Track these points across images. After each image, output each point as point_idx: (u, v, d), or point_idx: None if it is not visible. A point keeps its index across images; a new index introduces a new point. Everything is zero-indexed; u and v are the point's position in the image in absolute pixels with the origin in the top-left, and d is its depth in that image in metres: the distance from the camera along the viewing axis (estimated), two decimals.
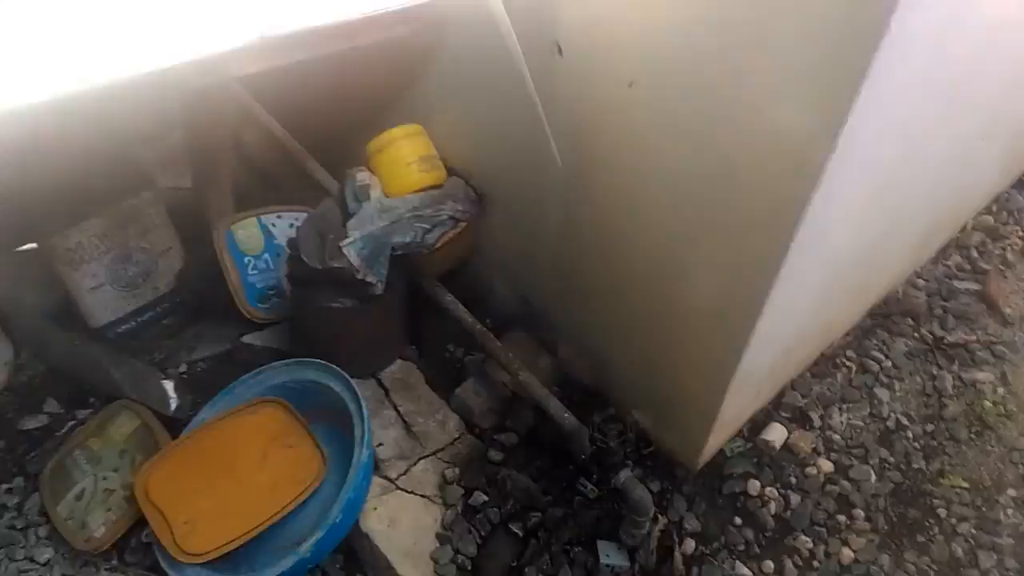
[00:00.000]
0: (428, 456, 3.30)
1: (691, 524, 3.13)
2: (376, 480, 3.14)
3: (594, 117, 2.72)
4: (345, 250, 3.26)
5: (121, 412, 3.29)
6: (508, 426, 3.45)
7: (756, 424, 3.36)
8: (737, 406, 3.15)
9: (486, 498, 3.17)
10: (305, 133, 4.07)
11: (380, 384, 3.53)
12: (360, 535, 3.00)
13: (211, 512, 2.91)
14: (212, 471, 3.02)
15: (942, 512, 3.10)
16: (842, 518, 3.12)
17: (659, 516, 3.07)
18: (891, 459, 3.27)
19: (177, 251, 3.79)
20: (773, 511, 3.14)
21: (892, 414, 3.38)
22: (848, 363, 3.55)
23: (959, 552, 3.00)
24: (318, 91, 3.76)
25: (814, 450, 3.29)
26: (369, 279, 3.26)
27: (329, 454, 3.03)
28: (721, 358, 2.82)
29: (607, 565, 3.01)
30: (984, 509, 3.11)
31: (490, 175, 3.46)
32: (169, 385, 3.44)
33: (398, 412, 3.43)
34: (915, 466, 3.25)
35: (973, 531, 3.04)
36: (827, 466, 3.25)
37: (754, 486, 3.20)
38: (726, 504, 3.19)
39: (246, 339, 3.67)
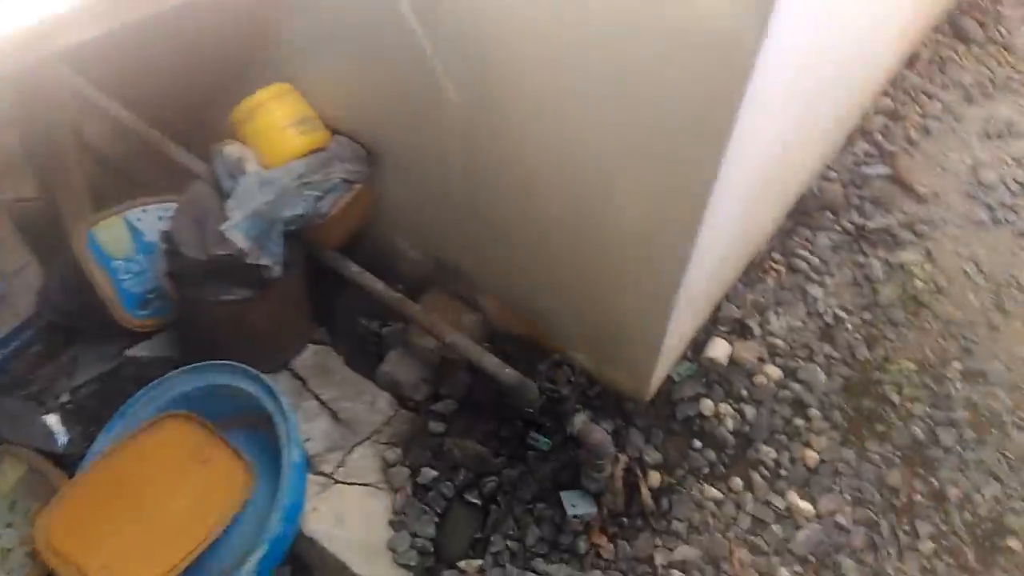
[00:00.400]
0: (363, 442, 3.10)
1: (651, 456, 3.06)
2: (311, 479, 2.92)
3: (488, 36, 2.53)
4: (229, 234, 2.98)
5: (2, 459, 2.94)
6: (443, 394, 3.28)
7: (698, 344, 3.31)
8: (680, 329, 3.09)
9: (435, 473, 3.00)
10: (156, 114, 3.71)
11: (295, 375, 3.28)
12: (305, 541, 2.79)
13: (130, 551, 2.63)
14: (122, 506, 2.73)
15: (895, 398, 3.16)
16: (800, 421, 3.13)
17: (619, 456, 2.99)
18: (836, 354, 3.29)
19: (34, 268, 3.40)
20: (731, 427, 3.11)
21: (828, 309, 3.41)
22: (776, 266, 3.55)
23: (919, 434, 3.07)
24: (161, 61, 3.41)
25: (759, 359, 3.28)
26: (263, 262, 3.00)
27: (253, 462, 2.79)
28: (661, 281, 2.73)
29: (575, 516, 2.92)
30: (934, 387, 3.18)
31: (378, 127, 3.22)
32: (52, 419, 3.10)
33: (321, 401, 3.20)
34: (860, 357, 3.29)
35: (928, 410, 3.11)
36: (775, 372, 3.25)
37: (707, 406, 3.16)
38: (682, 429, 3.14)
39: (131, 353, 3.32)
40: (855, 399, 3.18)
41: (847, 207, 3.70)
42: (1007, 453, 3.00)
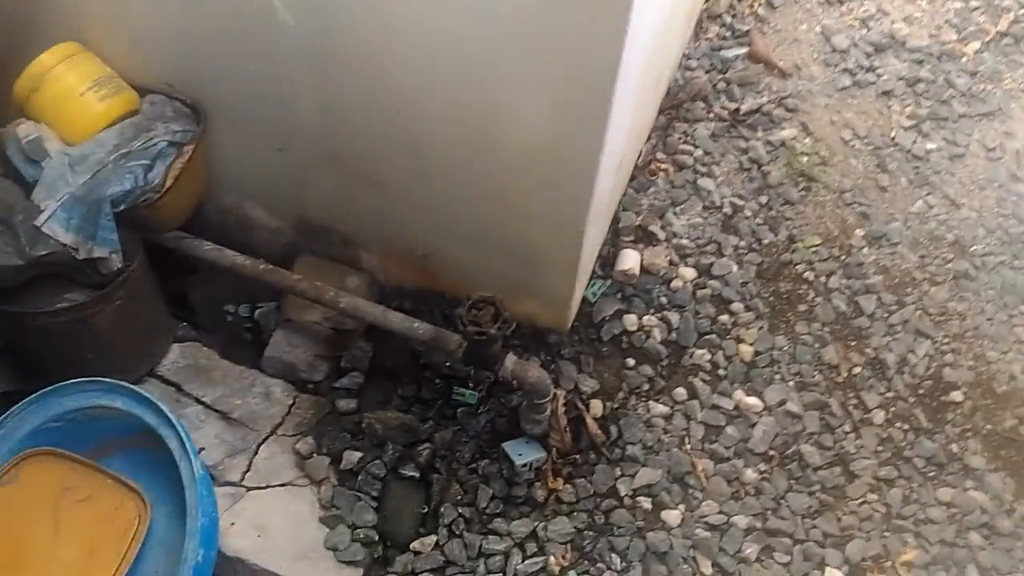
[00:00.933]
0: (267, 439, 2.75)
1: (588, 385, 2.94)
2: (219, 491, 2.56)
3: None
4: (46, 228, 2.51)
5: None
6: (345, 367, 2.99)
7: (606, 259, 3.21)
8: (591, 246, 2.96)
9: (359, 455, 2.73)
10: None
11: (166, 381, 2.87)
12: (230, 562, 2.45)
13: None
14: None
15: (809, 276, 3.19)
16: (725, 318, 3.10)
17: (555, 392, 2.85)
18: (742, 243, 3.29)
19: None
20: (659, 338, 3.04)
21: (724, 200, 3.40)
22: (663, 166, 3.50)
23: (841, 306, 3.13)
24: None
25: (671, 262, 3.22)
26: (98, 254, 2.55)
27: (145, 487, 2.40)
28: (571, 197, 2.56)
29: (523, 464, 2.75)
30: (843, 257, 3.24)
31: (201, 76, 2.80)
32: None
33: (204, 404, 2.81)
34: (766, 241, 3.31)
35: (844, 281, 3.17)
36: (689, 273, 3.20)
37: (631, 321, 3.07)
38: (612, 351, 3.04)
39: None
40: (772, 284, 3.20)
41: (715, 94, 3.68)
42: (928, 309, 3.12)
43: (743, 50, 3.83)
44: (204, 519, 2.30)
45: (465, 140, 2.57)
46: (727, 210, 3.36)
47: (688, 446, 2.85)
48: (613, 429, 2.87)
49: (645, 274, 3.18)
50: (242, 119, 2.89)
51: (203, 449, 2.69)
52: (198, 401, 2.83)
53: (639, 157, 3.47)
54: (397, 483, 2.72)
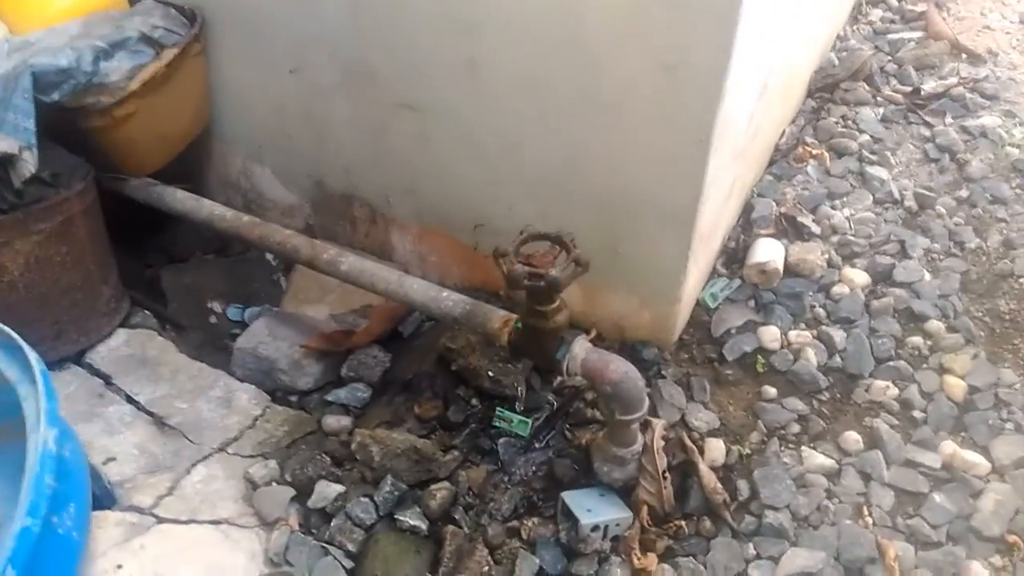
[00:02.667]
0: (210, 456, 1.82)
1: (702, 419, 1.91)
2: (113, 517, 1.65)
3: None
4: None
5: None
6: (348, 376, 2.10)
7: (732, 255, 2.26)
8: (711, 220, 2.02)
9: (339, 489, 1.77)
10: None
11: (93, 371, 2.04)
12: None
13: None
14: None
15: None
16: (917, 339, 2.02)
17: (650, 419, 1.85)
18: (935, 246, 2.27)
19: None
20: (815, 362, 1.99)
21: (904, 192, 2.42)
22: (814, 151, 2.58)
23: None
24: None
25: (829, 263, 2.24)
26: (1, 146, 1.81)
27: None
28: (688, 128, 1.71)
29: (594, 528, 1.72)
30: None
31: None
32: None
33: (135, 404, 1.95)
34: (970, 245, 2.27)
35: None
36: (859, 277, 2.18)
37: (769, 335, 2.05)
38: (740, 375, 2.01)
39: None
40: (986, 301, 2.14)
41: (883, 76, 2.80)
42: None
43: (917, 33, 2.95)
44: (25, 541, 1.40)
45: (544, 52, 1.78)
46: (910, 204, 2.37)
47: (869, 519, 1.75)
48: (742, 485, 1.80)
49: (791, 275, 2.19)
50: (249, 28, 2.17)
51: (112, 459, 1.81)
52: (129, 399, 1.95)
53: (781, 138, 2.57)
54: (390, 536, 1.69)
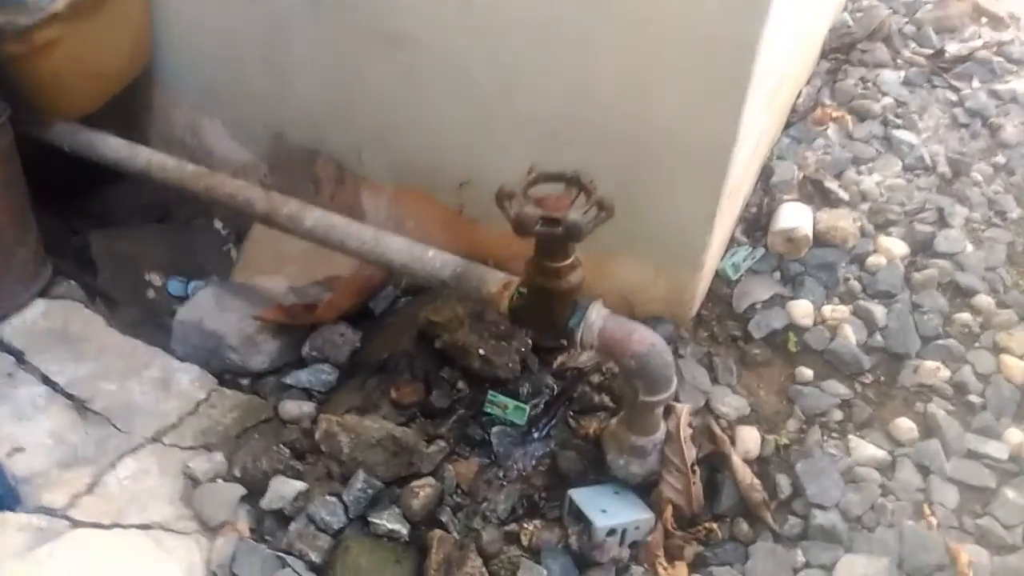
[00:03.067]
0: (141, 447, 1.51)
1: (730, 404, 1.64)
2: (16, 520, 1.33)
3: None
4: None
5: None
6: (310, 356, 1.79)
7: (752, 222, 2.01)
8: (736, 179, 1.77)
9: (301, 487, 1.47)
10: None
11: (2, 345, 1.72)
12: None
13: None
14: None
15: None
16: (965, 316, 1.74)
17: (673, 405, 1.59)
18: (975, 215, 2.04)
19: None
20: (855, 340, 1.76)
21: (936, 158, 2.20)
22: (835, 114, 2.36)
23: None
24: None
25: (862, 231, 2.01)
26: None
27: None
28: (723, 65, 1.44)
29: (610, 532, 1.45)
30: None
31: None
32: None
33: (52, 385, 1.62)
34: (1013, 215, 2.04)
35: None
36: (897, 247, 1.92)
37: (801, 310, 1.78)
38: (769, 354, 1.73)
39: None
40: None
41: (902, 37, 2.59)
42: None
43: None
44: None
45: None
46: (943, 170, 2.14)
47: (933, 519, 1.50)
48: (782, 481, 1.52)
49: (820, 245, 1.95)
50: None
51: (19, 450, 1.49)
52: (45, 379, 1.63)
53: (798, 98, 2.34)
54: (363, 543, 1.38)
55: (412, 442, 1.52)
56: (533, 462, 1.58)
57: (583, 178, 1.28)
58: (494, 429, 1.61)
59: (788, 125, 2.30)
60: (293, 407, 1.65)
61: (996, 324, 1.81)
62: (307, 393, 1.72)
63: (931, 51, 2.55)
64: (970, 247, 1.99)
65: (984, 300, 1.86)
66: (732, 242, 1.97)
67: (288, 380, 1.73)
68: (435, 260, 1.49)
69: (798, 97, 2.37)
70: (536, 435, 1.63)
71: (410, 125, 1.83)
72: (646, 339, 1.36)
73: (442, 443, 1.55)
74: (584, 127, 1.61)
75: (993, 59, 2.51)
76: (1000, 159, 2.21)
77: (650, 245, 1.71)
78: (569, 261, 1.32)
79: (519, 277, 1.47)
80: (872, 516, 1.48)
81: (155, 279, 2.09)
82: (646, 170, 1.62)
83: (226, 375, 1.76)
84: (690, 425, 1.53)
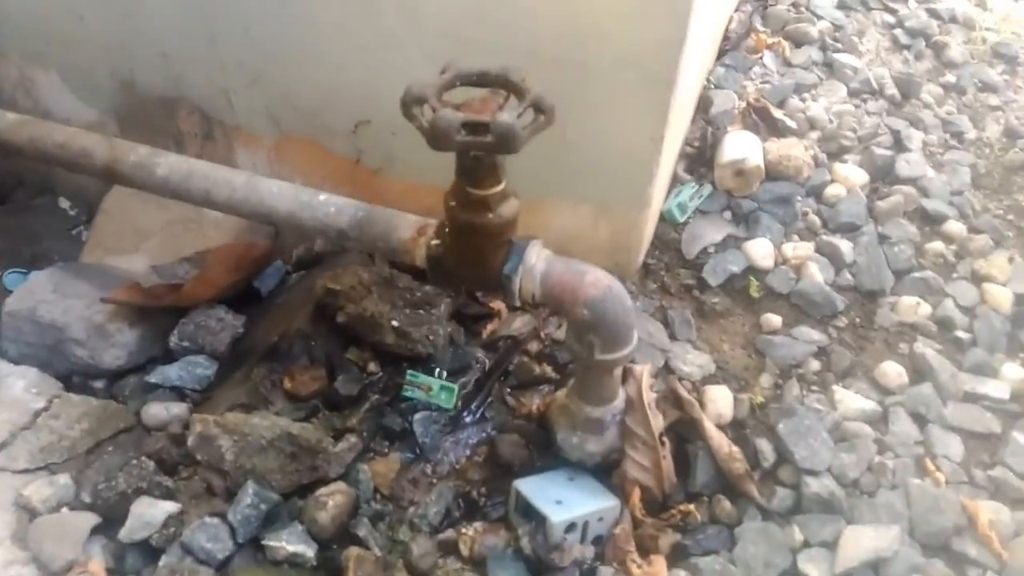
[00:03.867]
0: None
1: (693, 362, 1.40)
2: None
3: None
4: None
5: None
6: (179, 346, 1.46)
7: (692, 156, 1.79)
8: (684, 95, 1.54)
9: (173, 508, 1.14)
10: None
11: None
12: None
13: None
14: None
15: None
16: (937, 245, 1.57)
17: (630, 368, 1.35)
18: (931, 138, 1.84)
19: None
20: (822, 279, 1.57)
21: (882, 82, 2.02)
22: (769, 40, 2.17)
23: None
24: None
25: (815, 160, 1.82)
26: None
27: None
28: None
29: (568, 526, 1.18)
30: None
31: None
32: None
33: None
34: (969, 136, 1.86)
35: None
36: (856, 175, 1.73)
37: (760, 251, 1.56)
38: (729, 303, 1.51)
39: None
40: (1004, 197, 1.74)
41: None
42: None
43: None
44: None
45: None
46: (892, 93, 1.97)
47: (940, 475, 1.31)
48: (764, 446, 1.29)
49: (772, 178, 1.74)
50: None
51: None
52: None
53: (729, 24, 2.14)
54: (256, 573, 1.16)
55: (314, 440, 1.23)
56: (467, 452, 1.31)
57: (512, 75, 1.01)
58: (416, 416, 1.33)
59: (721, 53, 2.11)
60: (159, 410, 1.32)
61: (972, 251, 1.63)
62: (178, 392, 1.39)
63: None
64: (931, 171, 1.82)
65: (955, 226, 1.68)
66: (674, 180, 1.76)
67: (153, 378, 1.40)
68: (328, 205, 1.20)
69: (729, 23, 2.18)
70: (468, 419, 1.35)
71: (290, 56, 1.51)
72: (600, 281, 1.10)
73: (353, 438, 1.26)
74: (501, 37, 1.33)
75: None
76: (950, 78, 2.07)
77: (586, 182, 1.45)
78: (500, 187, 1.06)
79: (437, 220, 1.21)
80: (871, 478, 1.28)
81: None
82: (581, 89, 1.36)
83: (74, 377, 1.41)
84: (652, 389, 1.31)
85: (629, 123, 1.37)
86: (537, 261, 1.10)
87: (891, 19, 2.24)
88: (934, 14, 2.23)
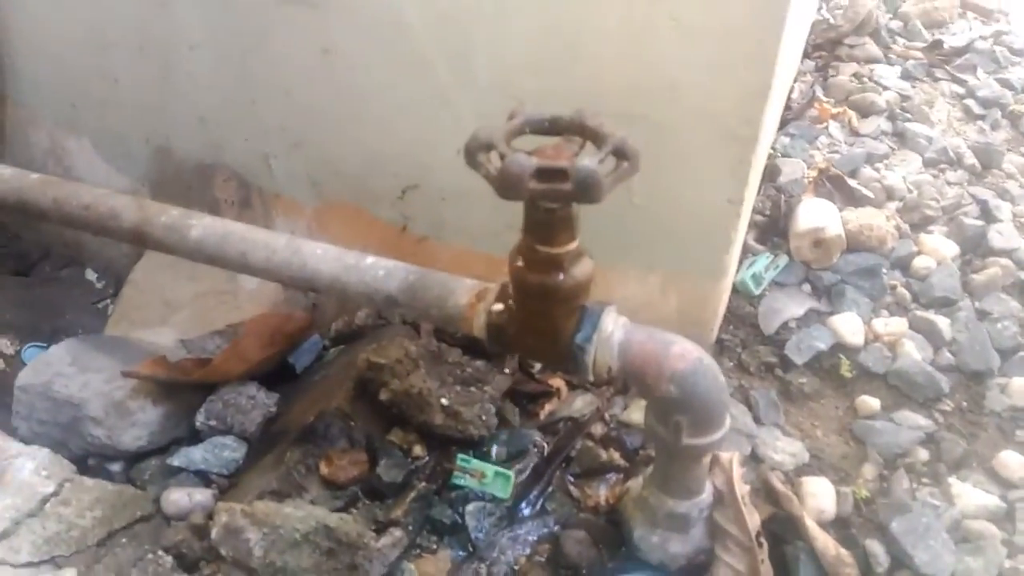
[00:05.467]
0: None
1: (781, 449, 1.24)
2: None
3: None
4: None
5: None
6: (207, 426, 1.32)
7: (762, 226, 1.64)
8: (763, 152, 1.42)
9: None
10: None
11: None
12: None
13: None
14: None
15: None
16: None
17: (717, 456, 1.19)
18: (1018, 208, 1.75)
19: None
20: (918, 357, 1.42)
21: (958, 150, 1.89)
22: (834, 110, 2.03)
23: None
24: None
25: (898, 230, 1.68)
26: None
27: None
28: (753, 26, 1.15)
29: None
30: None
31: None
32: None
33: None
34: None
35: None
36: (946, 247, 1.55)
37: (848, 326, 1.40)
38: (816, 383, 1.34)
39: None
40: None
41: (888, 32, 2.36)
42: None
43: None
44: None
45: None
46: (971, 163, 1.85)
47: None
48: (875, 548, 1.11)
49: (853, 249, 1.62)
50: None
51: None
52: None
53: (790, 94, 2.05)
54: None
55: (354, 534, 1.08)
56: (527, 550, 1.15)
57: (589, 120, 0.91)
58: (469, 507, 1.18)
59: (784, 123, 2.02)
60: (180, 497, 1.18)
61: None
62: (203, 477, 1.26)
63: (923, 44, 2.34)
64: (1023, 244, 1.70)
65: None
66: (745, 251, 1.64)
67: (176, 461, 1.26)
68: (376, 268, 1.09)
69: (790, 92, 2.10)
70: (527, 511, 1.20)
71: (333, 118, 1.43)
72: (689, 353, 0.96)
73: (397, 532, 1.11)
74: (561, 89, 1.24)
75: (995, 48, 2.30)
76: None
77: (655, 249, 1.33)
78: (574, 245, 0.93)
79: (496, 283, 1.09)
80: None
81: (6, 345, 1.63)
82: (646, 144, 1.27)
83: (90, 459, 1.28)
84: (741, 480, 1.15)
85: (705, 184, 1.25)
86: (615, 329, 0.97)
87: (960, 89, 2.16)
88: (1006, 84, 2.14)
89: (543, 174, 0.83)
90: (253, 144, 1.54)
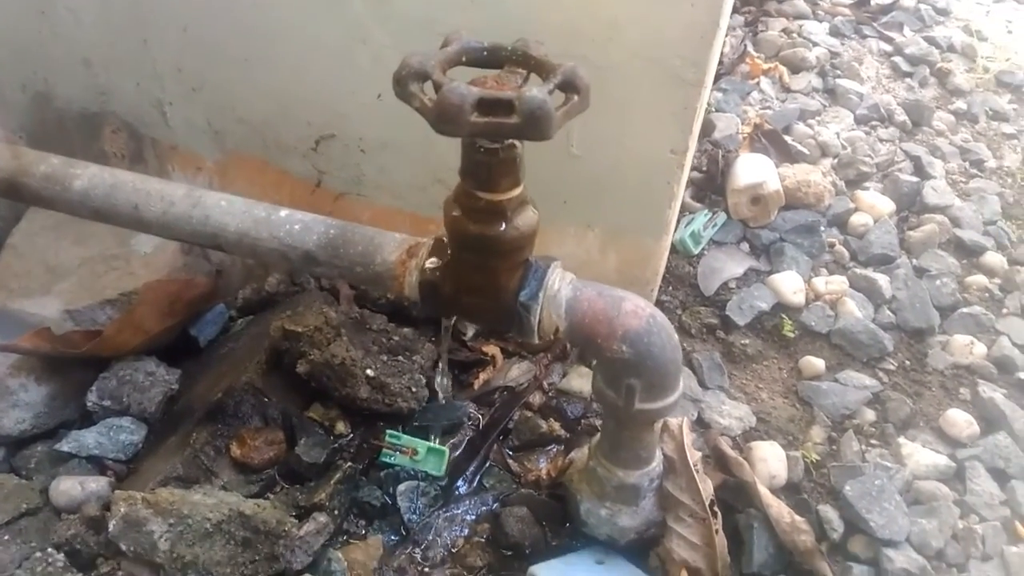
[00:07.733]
0: None
1: (727, 414, 1.21)
2: None
3: None
4: None
5: None
6: (98, 406, 1.19)
7: (698, 182, 1.61)
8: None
9: None
10: None
11: None
12: None
13: None
14: None
15: None
16: (979, 279, 1.41)
17: (666, 422, 1.14)
18: (951, 165, 1.72)
19: None
20: (860, 316, 1.42)
21: (888, 107, 1.92)
22: (766, 65, 2.04)
23: None
24: None
25: (834, 186, 1.67)
26: None
27: None
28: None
29: None
30: None
31: None
32: None
33: None
34: (989, 164, 1.69)
35: None
36: (882, 203, 1.56)
37: (789, 285, 1.38)
38: (759, 344, 1.31)
39: None
40: None
41: None
42: None
43: None
44: None
45: None
46: (902, 119, 1.86)
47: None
48: (828, 513, 1.06)
49: (791, 206, 1.60)
50: None
51: None
52: None
53: (722, 48, 2.02)
54: None
55: (273, 521, 0.99)
56: (466, 531, 1.07)
57: (533, 48, 0.83)
58: (400, 487, 1.10)
59: (716, 78, 1.99)
60: (72, 486, 1.06)
61: (1019, 285, 1.51)
62: (98, 464, 1.14)
63: (850, 1, 2.33)
64: (958, 200, 1.70)
65: (995, 258, 1.54)
66: (682, 209, 1.59)
67: (66, 447, 1.13)
68: (291, 221, 0.97)
69: (723, 47, 2.06)
70: (463, 488, 1.13)
71: (237, 58, 1.31)
72: (642, 310, 0.90)
73: (321, 518, 1.02)
74: (491, 28, 1.13)
75: (920, 7, 2.31)
76: (960, 106, 1.97)
77: (594, 204, 1.26)
78: (519, 191, 0.86)
79: (429, 237, 1.00)
80: (957, 548, 1.09)
81: None
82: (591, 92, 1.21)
83: None
84: (689, 445, 1.10)
85: (647, 133, 1.18)
86: (562, 286, 0.90)
87: (888, 47, 2.17)
88: (932, 42, 2.15)
89: (486, 105, 0.74)
90: (145, 89, 1.40)
